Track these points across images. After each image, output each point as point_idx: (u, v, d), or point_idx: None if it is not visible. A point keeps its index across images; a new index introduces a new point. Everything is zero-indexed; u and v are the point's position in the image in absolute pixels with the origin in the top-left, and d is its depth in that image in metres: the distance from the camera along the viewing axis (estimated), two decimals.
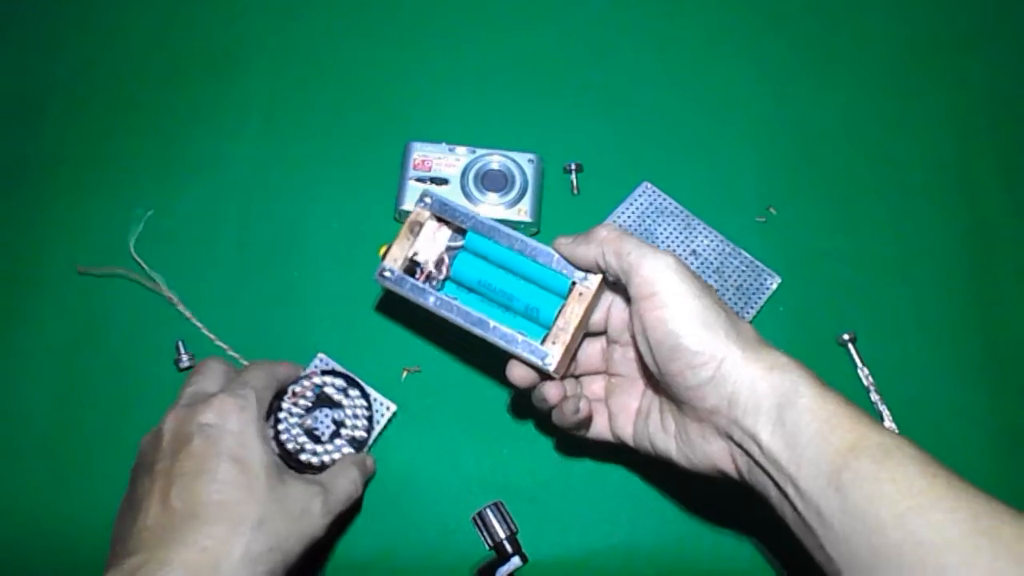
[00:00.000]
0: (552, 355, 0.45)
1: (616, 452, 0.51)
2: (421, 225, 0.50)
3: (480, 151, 0.60)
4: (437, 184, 0.59)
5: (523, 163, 0.60)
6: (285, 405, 0.48)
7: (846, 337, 0.57)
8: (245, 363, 0.52)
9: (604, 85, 0.66)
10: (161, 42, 0.67)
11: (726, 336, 0.40)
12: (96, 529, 0.52)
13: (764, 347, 0.41)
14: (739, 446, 0.40)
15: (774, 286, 0.58)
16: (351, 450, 0.49)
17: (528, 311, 0.47)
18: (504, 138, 0.61)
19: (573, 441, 0.53)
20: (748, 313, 0.57)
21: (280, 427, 0.47)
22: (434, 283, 0.49)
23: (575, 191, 0.62)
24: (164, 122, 0.64)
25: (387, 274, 0.49)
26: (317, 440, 0.49)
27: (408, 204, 0.59)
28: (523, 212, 0.59)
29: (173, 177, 0.62)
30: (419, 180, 0.59)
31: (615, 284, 0.45)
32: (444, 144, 0.60)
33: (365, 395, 0.51)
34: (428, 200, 0.49)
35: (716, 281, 0.58)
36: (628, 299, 0.44)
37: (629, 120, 0.65)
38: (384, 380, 0.55)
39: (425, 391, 0.56)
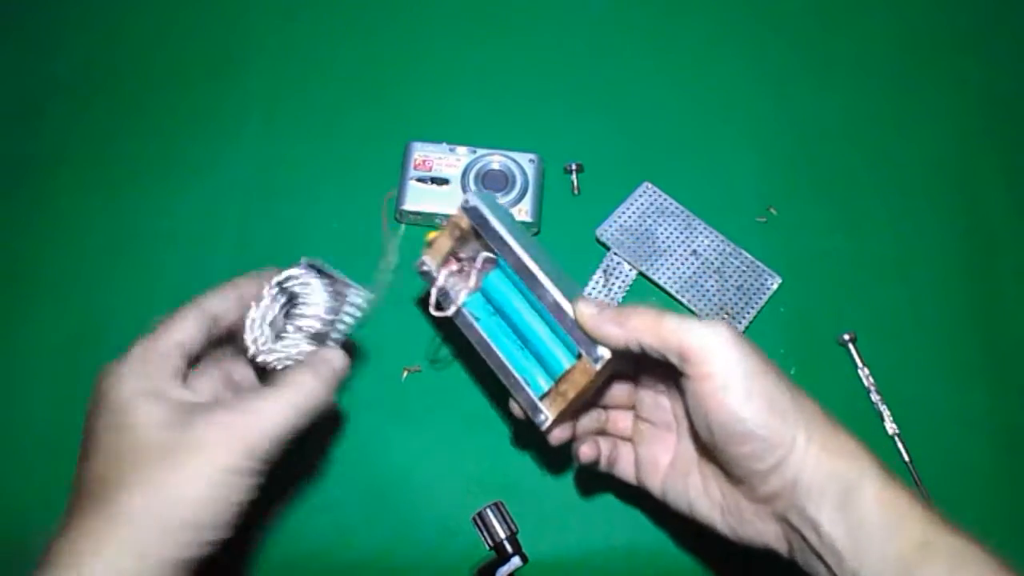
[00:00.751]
0: (546, 417, 0.42)
1: None
2: (461, 230, 0.45)
3: (481, 151, 0.60)
4: (438, 184, 0.59)
5: (524, 163, 0.60)
6: (249, 314, 0.43)
7: (846, 337, 0.57)
8: None
9: (604, 85, 0.66)
10: (161, 42, 0.67)
11: (794, 419, 0.37)
12: None
13: (831, 427, 0.38)
14: (796, 530, 0.37)
15: (774, 286, 0.58)
16: (307, 346, 0.43)
17: (540, 356, 0.44)
18: (505, 138, 0.61)
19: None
20: (748, 313, 0.57)
21: (247, 337, 0.43)
22: (461, 291, 0.46)
23: (575, 191, 0.62)
24: (164, 122, 0.64)
25: (425, 268, 0.46)
26: (280, 336, 0.44)
27: (409, 204, 0.59)
28: (524, 212, 0.59)
29: (173, 177, 0.62)
30: (420, 180, 0.59)
31: (642, 358, 0.40)
32: (445, 144, 0.60)
33: (329, 277, 0.45)
34: (469, 205, 0.44)
35: (716, 281, 0.58)
36: (665, 369, 0.39)
37: (629, 120, 0.65)
38: (385, 379, 0.55)
39: (426, 391, 0.56)
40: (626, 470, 0.47)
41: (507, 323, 0.45)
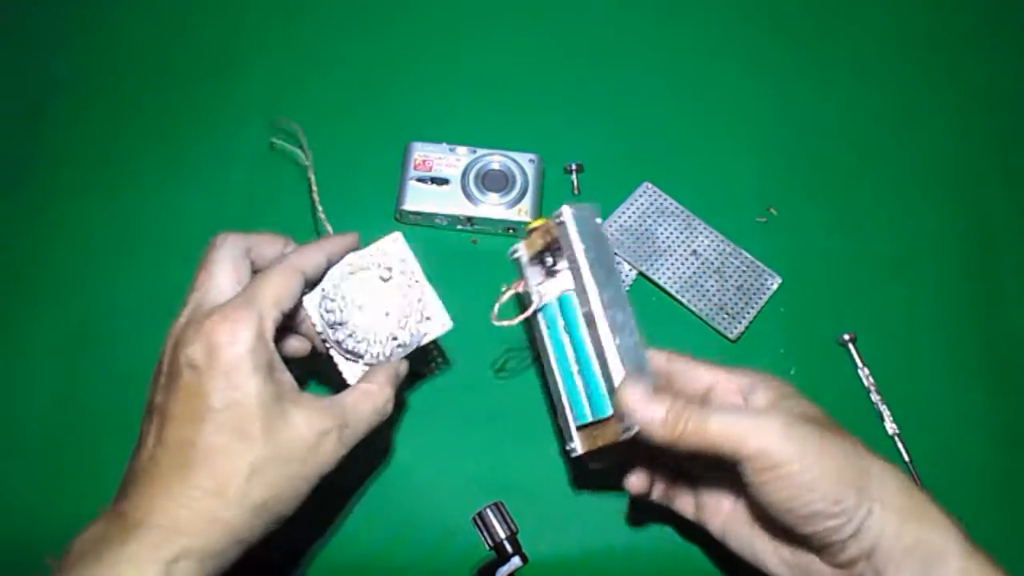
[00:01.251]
0: (574, 448, 0.44)
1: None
2: (553, 237, 0.44)
3: (481, 151, 0.60)
4: (438, 184, 0.59)
5: (524, 163, 0.60)
6: (337, 271, 0.43)
7: (846, 337, 0.57)
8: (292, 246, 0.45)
9: (604, 85, 0.66)
10: (161, 42, 0.67)
11: (866, 488, 0.36)
12: None
13: (907, 490, 0.37)
14: None
15: (774, 286, 0.58)
16: (390, 349, 0.43)
17: (589, 389, 0.43)
18: (505, 138, 0.61)
19: None
20: (748, 313, 0.57)
21: (328, 291, 0.43)
22: (542, 294, 0.46)
23: (576, 191, 0.62)
24: (164, 122, 0.64)
25: (516, 255, 0.46)
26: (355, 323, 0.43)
27: (409, 204, 0.59)
28: (523, 212, 0.59)
29: (173, 177, 0.62)
30: (420, 180, 0.59)
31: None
32: (445, 144, 0.60)
33: (428, 294, 0.45)
34: (559, 220, 0.42)
35: (716, 281, 0.58)
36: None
37: (629, 120, 0.65)
38: None
39: (426, 391, 0.56)
40: (685, 507, 0.45)
41: (572, 343, 0.45)
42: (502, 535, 0.43)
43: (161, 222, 0.60)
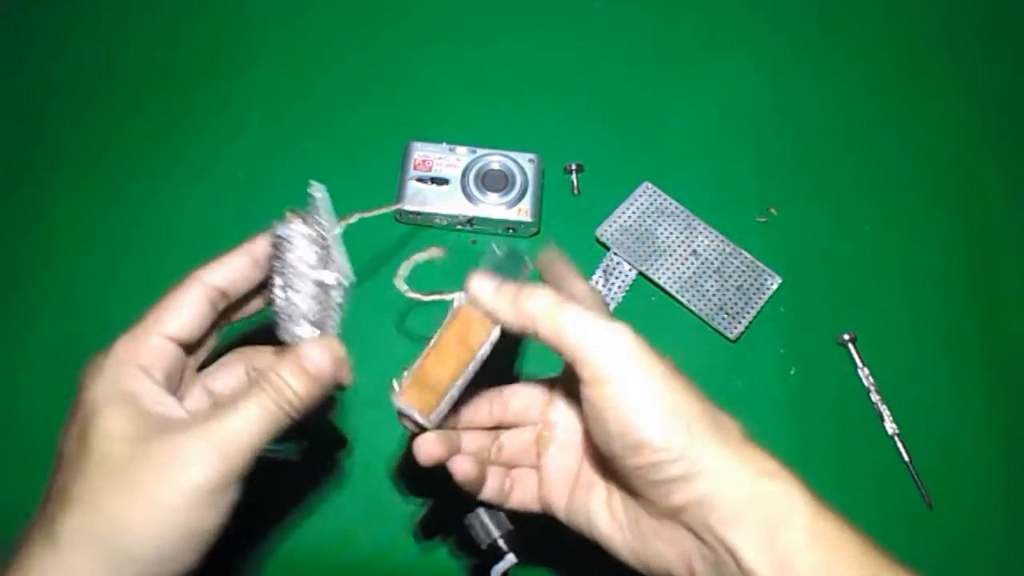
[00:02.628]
0: (398, 390, 0.38)
1: None
2: None
3: (480, 151, 0.60)
4: (438, 184, 0.59)
5: (523, 163, 0.60)
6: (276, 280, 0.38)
7: (846, 337, 0.57)
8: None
9: (604, 85, 0.66)
10: (161, 42, 0.67)
11: (703, 432, 0.33)
12: None
13: (750, 446, 0.34)
14: (712, 550, 0.33)
15: (774, 286, 0.58)
16: (306, 330, 0.37)
17: None
18: (504, 138, 0.61)
19: None
20: (748, 313, 0.57)
21: (275, 289, 0.38)
22: None
23: (575, 191, 0.62)
24: (164, 122, 0.64)
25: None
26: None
27: (409, 204, 0.58)
28: (523, 212, 0.59)
29: (173, 177, 0.62)
30: (420, 180, 0.59)
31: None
32: (445, 144, 0.60)
33: (324, 245, 0.40)
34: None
35: (716, 281, 0.58)
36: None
37: (629, 120, 0.65)
38: (376, 385, 0.55)
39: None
40: (526, 496, 0.42)
41: None
42: (496, 534, 0.43)
43: (161, 222, 0.60)
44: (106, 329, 0.57)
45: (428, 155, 0.60)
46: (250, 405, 0.34)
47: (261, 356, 0.41)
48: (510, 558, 0.42)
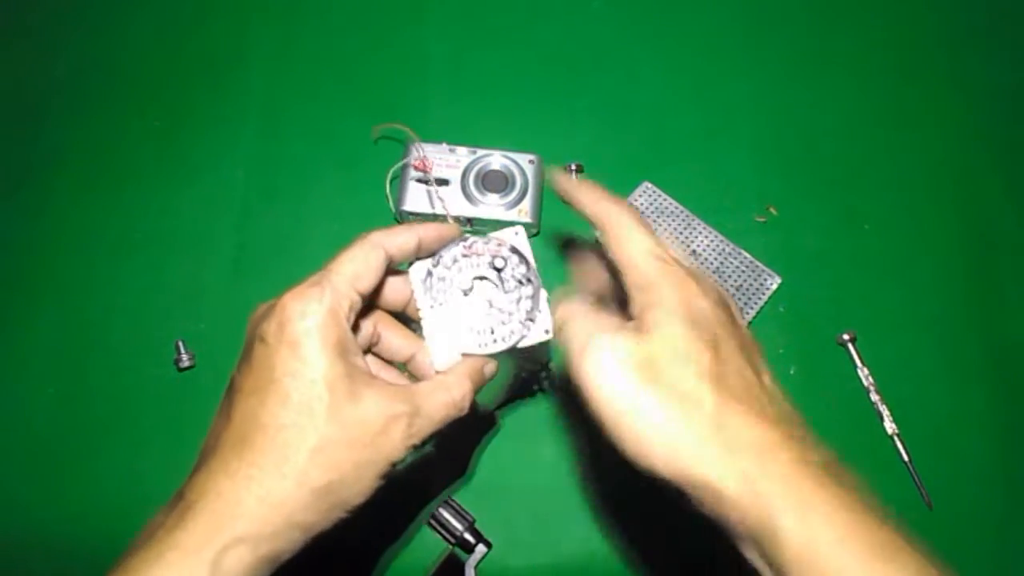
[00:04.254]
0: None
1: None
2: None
3: (481, 152, 0.60)
4: (439, 184, 0.59)
5: (524, 164, 0.60)
6: (453, 253, 0.42)
7: (846, 337, 0.57)
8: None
9: (604, 85, 0.66)
10: (161, 42, 0.67)
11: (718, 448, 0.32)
12: (96, 529, 0.52)
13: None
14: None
15: (774, 286, 0.58)
16: (484, 342, 0.41)
17: None
18: (504, 138, 0.61)
19: (573, 443, 0.53)
20: (748, 313, 0.57)
21: (435, 271, 0.41)
22: None
23: None
24: (164, 122, 0.64)
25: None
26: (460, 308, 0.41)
27: (409, 204, 0.59)
28: (524, 212, 0.59)
29: (173, 177, 0.62)
30: (420, 180, 0.59)
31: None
32: (445, 144, 0.60)
33: (536, 297, 0.42)
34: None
35: (716, 281, 0.58)
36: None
37: (629, 120, 0.65)
38: None
39: None
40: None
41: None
42: (461, 528, 0.43)
43: (161, 222, 0.60)
44: (106, 329, 0.57)
45: (428, 155, 0.60)
46: (445, 397, 0.38)
47: (391, 327, 0.42)
48: (481, 548, 0.42)
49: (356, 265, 0.37)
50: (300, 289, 0.36)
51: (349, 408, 0.35)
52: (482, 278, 0.43)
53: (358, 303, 0.38)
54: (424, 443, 0.37)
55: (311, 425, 0.34)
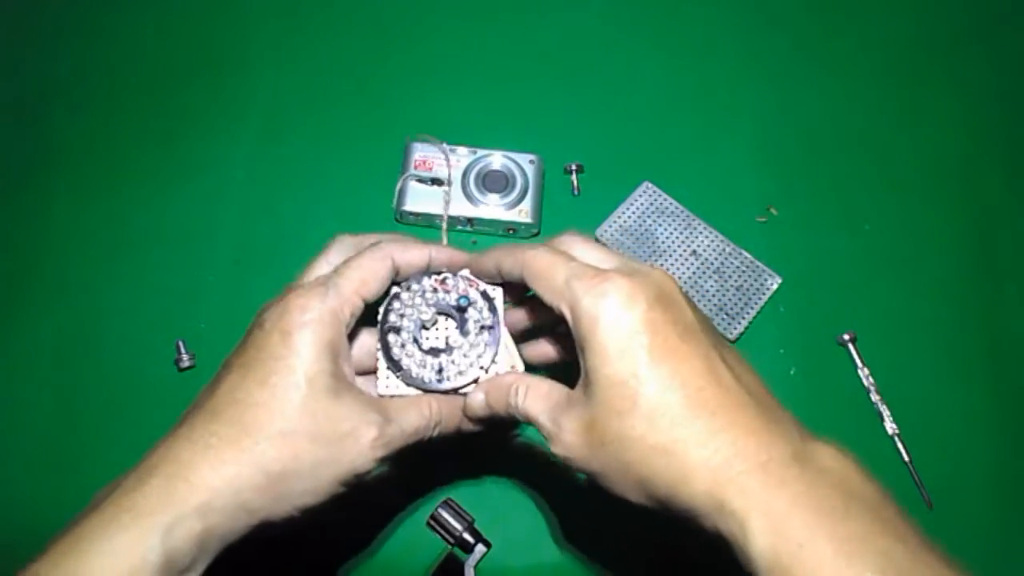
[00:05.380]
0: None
1: None
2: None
3: (481, 151, 0.60)
4: (438, 184, 0.59)
5: (524, 164, 0.60)
6: (426, 283, 0.42)
7: (846, 337, 0.57)
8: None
9: (604, 85, 0.66)
10: (161, 42, 0.67)
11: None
12: None
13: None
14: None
15: (774, 286, 0.58)
16: (429, 378, 0.41)
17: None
18: (505, 139, 0.61)
19: None
20: (748, 313, 0.57)
21: (402, 295, 0.41)
22: None
23: (576, 191, 0.62)
24: (164, 122, 0.64)
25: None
26: (417, 341, 0.42)
27: (409, 205, 0.59)
28: (524, 213, 0.59)
29: (173, 177, 0.62)
30: (420, 180, 0.59)
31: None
32: (445, 144, 0.60)
33: (493, 348, 0.41)
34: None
35: (716, 281, 0.58)
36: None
37: (629, 120, 0.65)
38: None
39: None
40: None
41: None
42: (460, 528, 0.43)
43: (161, 222, 0.60)
44: (106, 329, 0.57)
45: (428, 155, 0.60)
46: (419, 412, 0.39)
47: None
48: (480, 548, 0.42)
49: (363, 272, 0.38)
50: (306, 289, 0.37)
51: (323, 403, 0.35)
52: (445, 315, 0.43)
53: (360, 309, 0.38)
54: (390, 457, 0.38)
55: (280, 409, 0.34)
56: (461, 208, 0.58)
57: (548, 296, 0.36)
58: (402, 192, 0.59)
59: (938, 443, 0.55)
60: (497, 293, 0.43)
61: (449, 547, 0.43)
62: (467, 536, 0.43)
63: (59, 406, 0.55)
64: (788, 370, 0.57)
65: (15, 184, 0.62)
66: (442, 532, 0.43)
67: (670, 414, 0.32)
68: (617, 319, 0.33)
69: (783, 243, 0.60)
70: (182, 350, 0.56)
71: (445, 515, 0.43)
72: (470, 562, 0.42)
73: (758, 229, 0.61)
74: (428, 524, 0.43)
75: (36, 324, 0.57)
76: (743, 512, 0.30)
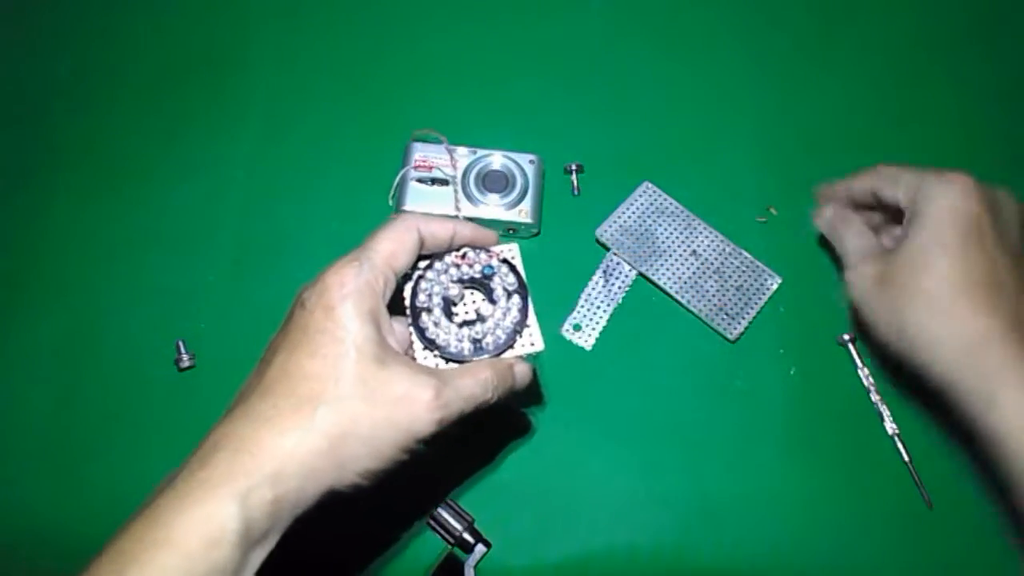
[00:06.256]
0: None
1: (613, 454, 0.51)
2: None
3: (481, 151, 0.60)
4: (438, 184, 0.59)
5: (524, 164, 0.60)
6: (448, 260, 0.43)
7: (846, 337, 0.57)
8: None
9: (604, 85, 0.66)
10: (161, 42, 0.67)
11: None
12: (96, 529, 0.52)
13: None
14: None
15: (774, 286, 0.58)
16: (468, 351, 0.42)
17: None
18: (505, 138, 0.61)
19: (574, 440, 0.53)
20: (748, 313, 0.57)
21: (426, 275, 0.42)
22: None
23: (576, 191, 0.62)
24: (164, 122, 0.64)
25: None
26: (449, 316, 0.43)
27: (409, 205, 0.59)
28: (524, 213, 0.59)
29: (173, 177, 0.62)
30: (420, 180, 0.59)
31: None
32: (445, 144, 0.60)
33: (524, 310, 0.43)
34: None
35: (716, 281, 0.58)
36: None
37: (629, 120, 0.65)
38: None
39: None
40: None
41: None
42: (460, 528, 0.43)
43: (161, 222, 0.60)
44: (106, 329, 0.57)
45: (428, 155, 0.60)
46: (475, 378, 0.39)
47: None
48: (480, 548, 0.42)
49: (392, 244, 0.39)
50: (339, 264, 0.38)
51: (373, 369, 0.36)
52: (472, 288, 0.44)
53: (392, 281, 0.39)
54: (453, 426, 0.38)
55: (333, 376, 0.35)
56: (461, 208, 0.58)
57: (891, 189, 0.48)
58: (402, 192, 0.59)
59: (938, 443, 0.55)
60: (517, 260, 0.44)
61: (449, 547, 0.43)
62: (467, 536, 0.43)
63: (59, 406, 0.55)
64: (788, 370, 0.57)
65: (15, 184, 0.62)
66: (442, 532, 0.43)
67: (954, 286, 0.42)
68: (954, 201, 0.44)
69: (783, 243, 0.60)
70: (182, 350, 0.56)
71: (445, 515, 0.44)
72: (470, 562, 0.42)
73: (758, 229, 0.61)
74: (428, 524, 0.43)
75: (36, 324, 0.57)
76: (997, 376, 0.40)
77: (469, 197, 0.59)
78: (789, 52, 0.68)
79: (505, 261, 0.44)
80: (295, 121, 0.64)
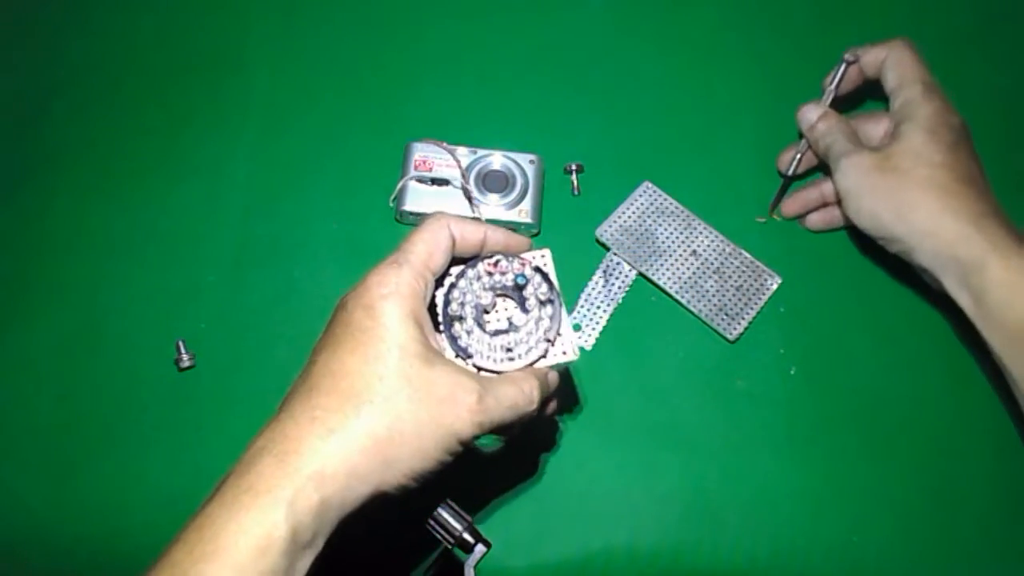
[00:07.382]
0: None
1: (613, 454, 0.50)
2: None
3: (481, 152, 0.60)
4: (438, 184, 0.59)
5: (524, 164, 0.60)
6: (480, 268, 0.42)
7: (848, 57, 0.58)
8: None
9: (604, 85, 0.66)
10: (162, 42, 0.67)
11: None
12: (96, 529, 0.52)
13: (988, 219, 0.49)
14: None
15: (774, 286, 0.58)
16: (501, 359, 0.41)
17: None
18: (505, 139, 0.61)
19: (574, 441, 0.53)
20: (748, 313, 0.57)
21: (458, 283, 0.42)
22: None
23: (576, 191, 0.62)
24: (164, 122, 0.64)
25: None
26: (481, 325, 0.42)
27: (409, 205, 0.59)
28: (524, 213, 0.59)
29: (173, 177, 0.62)
30: (420, 181, 0.59)
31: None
32: (445, 144, 0.60)
33: (557, 319, 0.42)
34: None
35: (716, 281, 0.58)
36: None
37: (629, 120, 0.65)
38: None
39: None
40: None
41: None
42: (460, 528, 0.43)
43: (161, 222, 0.60)
44: (106, 329, 0.57)
45: (428, 155, 0.60)
46: (516, 386, 0.39)
47: None
48: (480, 548, 0.42)
49: (428, 245, 0.39)
50: (380, 268, 0.38)
51: (417, 368, 0.36)
52: (504, 296, 0.43)
53: (432, 283, 0.40)
54: (494, 433, 0.38)
55: (377, 374, 0.35)
56: (461, 208, 0.58)
57: (874, 55, 0.57)
58: (402, 192, 0.59)
59: (938, 443, 0.55)
60: (549, 267, 0.44)
61: (449, 547, 0.43)
62: (467, 536, 0.43)
63: (59, 406, 0.55)
64: (788, 370, 0.57)
65: (15, 184, 0.62)
66: (442, 532, 0.43)
67: (952, 172, 0.50)
68: (943, 108, 0.53)
69: (783, 243, 0.60)
70: (182, 350, 0.56)
71: (445, 515, 0.43)
72: (470, 562, 0.42)
73: (758, 229, 0.61)
74: (428, 524, 0.43)
75: (36, 324, 0.57)
76: (989, 244, 0.47)
77: (469, 197, 0.59)
78: (789, 52, 0.68)
79: (538, 269, 0.43)
80: (295, 121, 0.64)
